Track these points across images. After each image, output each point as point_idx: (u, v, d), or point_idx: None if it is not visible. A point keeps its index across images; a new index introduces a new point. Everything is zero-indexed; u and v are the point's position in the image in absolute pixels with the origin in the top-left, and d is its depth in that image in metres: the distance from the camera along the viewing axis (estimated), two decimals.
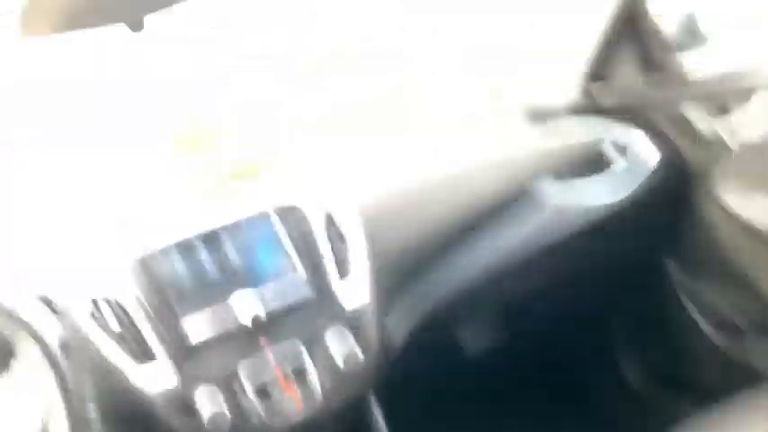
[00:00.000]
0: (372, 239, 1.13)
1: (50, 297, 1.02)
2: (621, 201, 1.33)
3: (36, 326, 0.77)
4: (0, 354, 1.04)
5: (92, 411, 0.93)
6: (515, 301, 1.32)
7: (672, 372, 1.61)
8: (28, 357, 0.76)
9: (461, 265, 1.27)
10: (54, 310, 1.00)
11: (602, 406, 1.79)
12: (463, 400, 1.68)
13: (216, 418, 0.94)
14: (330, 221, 1.13)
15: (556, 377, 1.86)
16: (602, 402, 1.80)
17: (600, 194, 1.34)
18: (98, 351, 0.97)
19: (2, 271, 1.05)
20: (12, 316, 0.76)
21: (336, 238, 1.12)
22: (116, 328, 0.99)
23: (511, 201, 1.31)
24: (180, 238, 1.06)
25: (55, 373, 0.76)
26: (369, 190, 1.20)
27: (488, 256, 1.29)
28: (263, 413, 0.98)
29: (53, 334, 0.88)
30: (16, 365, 0.77)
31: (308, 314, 1.05)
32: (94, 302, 1.02)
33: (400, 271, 1.18)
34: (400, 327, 1.15)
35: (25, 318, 0.77)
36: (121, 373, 0.97)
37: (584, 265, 1.38)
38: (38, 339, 0.76)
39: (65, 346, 0.85)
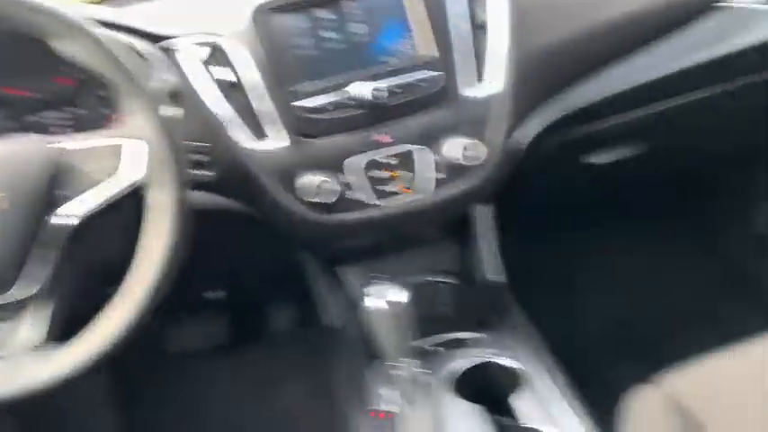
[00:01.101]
0: (518, 36, 0.98)
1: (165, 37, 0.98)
2: None
3: (137, 73, 0.72)
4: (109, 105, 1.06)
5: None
6: (663, 118, 1.15)
7: None
8: (132, 109, 0.73)
9: (614, 72, 1.09)
10: (166, 53, 0.96)
11: (726, 254, 1.66)
12: (573, 217, 1.61)
13: (321, 188, 0.91)
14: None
15: (680, 210, 1.73)
16: (726, 250, 1.66)
17: None
18: (210, 108, 0.94)
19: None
20: (116, 62, 0.71)
21: (474, 18, 0.97)
22: (229, 78, 0.94)
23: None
24: None
25: (153, 121, 0.72)
26: None
27: (649, 63, 1.09)
28: (368, 191, 0.94)
29: (163, 79, 0.84)
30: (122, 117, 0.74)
31: (432, 102, 0.95)
32: (209, 48, 0.96)
33: (542, 78, 1.02)
34: (528, 135, 1.03)
35: (128, 64, 0.72)
36: (234, 135, 0.93)
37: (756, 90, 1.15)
38: (138, 89, 0.72)
39: (174, 96, 0.81)
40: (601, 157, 1.22)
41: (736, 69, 1.13)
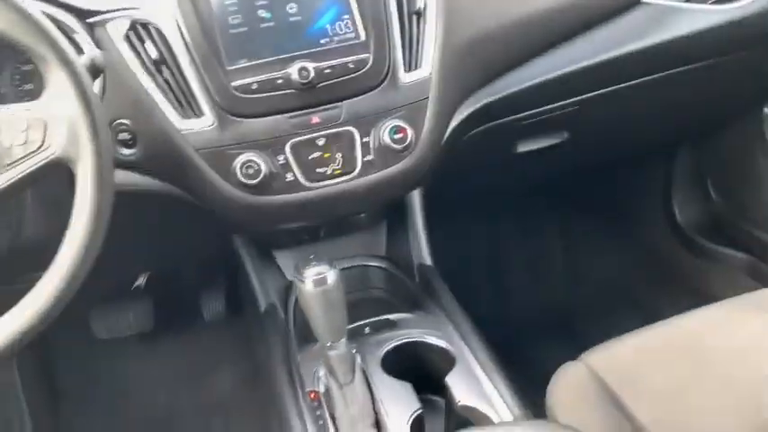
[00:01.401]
0: (449, 24, 0.99)
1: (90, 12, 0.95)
2: (737, 20, 1.15)
3: (64, 45, 0.70)
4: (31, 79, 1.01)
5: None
6: (585, 108, 1.20)
7: (733, 220, 1.52)
8: (56, 82, 0.70)
9: (539, 63, 1.12)
10: (89, 28, 0.93)
11: (644, 239, 1.75)
12: (501, 202, 1.66)
13: (250, 168, 0.90)
14: None
15: (602, 199, 1.81)
16: (645, 236, 1.75)
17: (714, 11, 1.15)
18: (136, 85, 0.91)
19: None
20: (44, 33, 0.68)
21: (410, 5, 0.98)
22: (154, 54, 0.92)
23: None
24: None
25: (79, 94, 0.70)
26: None
27: (573, 55, 1.13)
28: (298, 173, 0.93)
29: (85, 54, 0.81)
30: (46, 90, 0.71)
31: (362, 85, 0.95)
32: (132, 23, 0.94)
33: (470, 66, 1.04)
34: (456, 121, 1.05)
35: (55, 35, 0.69)
36: (161, 113, 0.91)
37: (675, 82, 1.22)
38: (66, 62, 0.69)
39: (93, 69, 0.79)
40: (526, 145, 1.26)
41: (654, 62, 1.19)
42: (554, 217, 1.78)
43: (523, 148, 1.25)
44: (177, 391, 1.59)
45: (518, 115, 1.16)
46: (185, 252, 1.36)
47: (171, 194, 0.98)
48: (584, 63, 1.12)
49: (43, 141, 0.70)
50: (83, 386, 1.59)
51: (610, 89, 1.18)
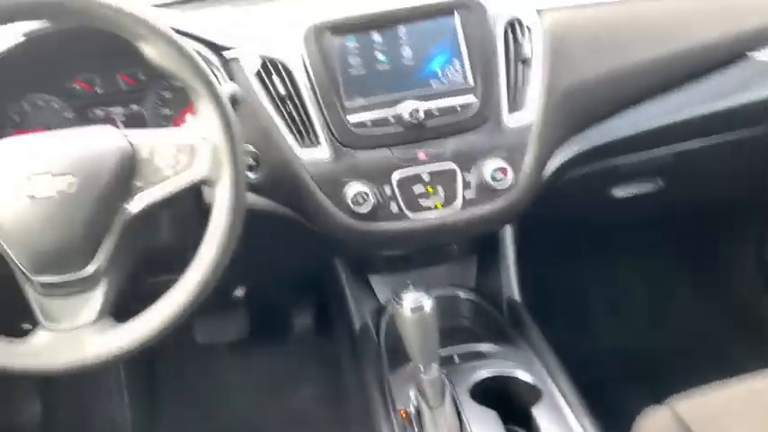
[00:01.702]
0: (555, 71, 1.04)
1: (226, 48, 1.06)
2: None
3: (214, 81, 0.80)
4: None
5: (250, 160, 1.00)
6: (682, 159, 1.21)
7: None
8: (205, 112, 0.80)
9: (640, 111, 1.15)
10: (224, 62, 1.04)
11: (734, 289, 1.71)
12: (591, 243, 1.66)
13: (359, 197, 0.98)
14: (514, 29, 1.05)
15: (691, 245, 1.78)
16: (735, 285, 1.71)
17: None
18: (263, 116, 1.01)
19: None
20: (198, 69, 0.78)
21: (518, 53, 1.04)
22: (281, 89, 1.02)
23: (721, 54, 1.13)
24: (357, 13, 1.03)
25: (224, 124, 0.80)
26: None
27: (674, 105, 1.15)
28: (402, 204, 1.00)
29: (228, 87, 0.91)
30: (195, 119, 0.82)
31: (468, 126, 1.01)
32: (263, 61, 1.04)
33: (573, 112, 1.09)
34: (555, 164, 1.09)
35: (207, 72, 0.79)
36: (283, 142, 1.00)
37: None
38: (214, 95, 0.79)
39: (233, 101, 0.88)
40: (621, 190, 1.28)
41: (756, 116, 1.19)
42: (642, 261, 1.76)
43: (618, 193, 1.27)
44: (262, 401, 1.68)
45: (615, 161, 1.19)
46: (285, 270, 1.45)
47: (284, 216, 1.06)
48: (686, 115, 1.14)
49: (189, 164, 0.80)
50: (179, 387, 1.71)
51: (710, 142, 1.19)
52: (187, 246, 1.03)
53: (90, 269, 0.78)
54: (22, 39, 1.00)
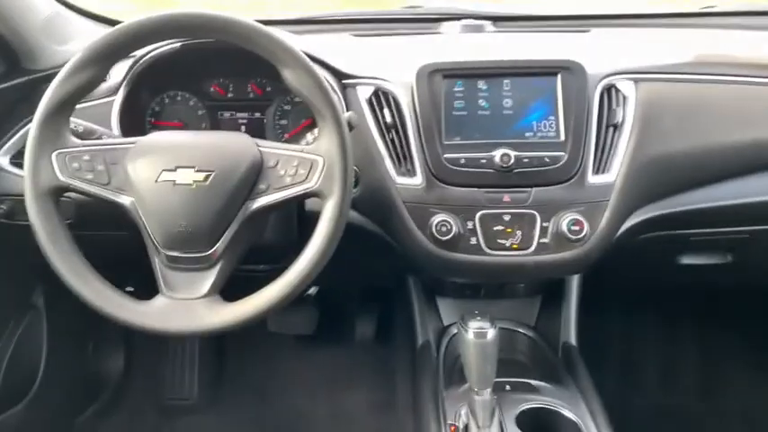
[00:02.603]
0: (642, 140, 1.11)
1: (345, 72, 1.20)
2: None
3: (339, 108, 0.92)
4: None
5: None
6: (754, 238, 1.25)
7: None
8: (327, 134, 0.93)
9: (718, 187, 1.20)
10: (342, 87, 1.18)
11: None
12: (652, 302, 1.70)
13: (443, 227, 1.07)
14: (610, 95, 1.13)
15: (750, 319, 1.79)
16: None
17: None
18: (369, 140, 1.13)
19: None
20: (329, 98, 0.91)
21: (610, 118, 1.12)
22: (388, 118, 1.14)
23: None
24: (468, 59, 1.14)
25: (341, 145, 0.92)
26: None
27: (752, 187, 1.20)
28: (481, 239, 1.09)
29: (347, 113, 1.04)
30: (318, 138, 0.94)
31: (553, 178, 1.10)
32: (375, 90, 1.17)
33: (653, 179, 1.15)
34: (628, 225, 1.16)
35: (335, 101, 0.92)
36: (383, 166, 1.12)
37: None
38: (338, 121, 0.91)
39: (350, 125, 1.00)
40: (688, 259, 1.33)
41: None
42: (699, 326, 1.78)
43: (686, 260, 1.32)
44: (315, 396, 1.80)
45: (687, 231, 1.24)
46: (360, 278, 1.57)
47: (372, 232, 1.18)
48: (763, 198, 1.19)
49: (307, 176, 0.92)
50: (243, 368, 1.85)
51: None
52: (283, 244, 1.17)
53: (211, 250, 0.92)
54: (178, 45, 1.16)
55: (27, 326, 1.46)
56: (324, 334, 1.84)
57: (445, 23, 1.52)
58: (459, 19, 1.52)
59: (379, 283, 1.62)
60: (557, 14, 1.63)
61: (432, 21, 1.56)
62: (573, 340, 1.24)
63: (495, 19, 1.54)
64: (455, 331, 1.30)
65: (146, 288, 0.98)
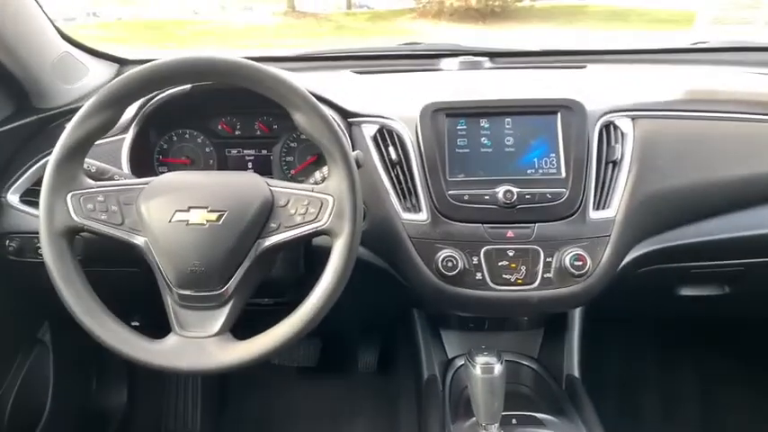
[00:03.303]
0: (641, 177, 1.15)
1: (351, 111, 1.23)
2: None
3: (349, 150, 0.94)
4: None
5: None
6: (751, 270, 1.28)
7: None
8: (337, 174, 0.95)
9: (715, 222, 1.23)
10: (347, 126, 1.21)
11: None
12: (656, 335, 1.71)
13: (449, 262, 1.09)
14: (609, 132, 1.17)
15: (751, 347, 1.80)
16: None
17: None
18: (375, 176, 1.16)
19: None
20: (339, 141, 0.93)
21: (609, 154, 1.15)
22: (393, 156, 1.16)
23: None
24: (470, 98, 1.18)
25: (350, 185, 0.94)
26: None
27: (748, 221, 1.23)
28: (486, 274, 1.11)
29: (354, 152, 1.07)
30: (328, 179, 0.97)
31: (555, 214, 1.12)
32: (380, 128, 1.20)
33: (653, 214, 1.18)
34: (629, 259, 1.18)
35: (346, 144, 0.94)
36: (389, 202, 1.15)
37: None
38: (347, 162, 0.94)
39: (357, 164, 1.03)
40: (687, 290, 1.36)
41: None
42: (700, 357, 1.80)
43: (685, 292, 1.34)
44: (317, 428, 1.81)
45: (685, 264, 1.27)
46: (364, 311, 1.58)
47: (378, 266, 1.20)
48: (758, 231, 1.22)
49: (317, 215, 0.94)
50: (246, 399, 1.85)
51: None
52: (289, 278, 1.19)
53: (223, 289, 0.94)
54: (189, 87, 1.19)
55: (34, 361, 1.47)
56: (326, 365, 1.85)
57: (444, 60, 1.56)
58: (457, 55, 1.56)
59: (383, 316, 1.63)
60: (552, 50, 1.68)
61: (431, 57, 1.60)
62: (576, 372, 1.26)
63: (492, 55, 1.58)
64: (460, 363, 1.32)
65: (152, 322, 0.99)
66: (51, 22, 1.34)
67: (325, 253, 0.94)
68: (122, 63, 1.56)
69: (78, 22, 9.92)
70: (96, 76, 1.46)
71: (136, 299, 1.15)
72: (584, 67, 1.53)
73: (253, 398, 1.87)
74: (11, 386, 1.39)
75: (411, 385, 1.40)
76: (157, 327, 0.97)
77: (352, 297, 0.99)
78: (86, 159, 1.00)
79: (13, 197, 1.24)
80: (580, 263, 1.09)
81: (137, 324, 1.00)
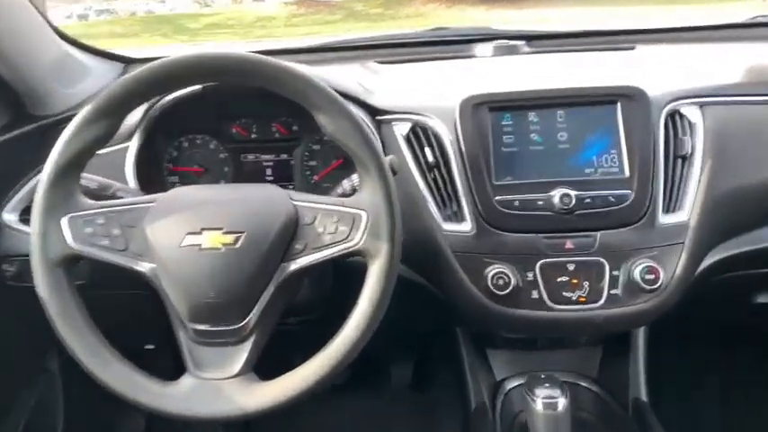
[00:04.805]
0: (715, 172, 1.00)
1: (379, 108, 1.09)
2: None
3: (383, 159, 0.81)
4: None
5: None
6: None
7: None
8: (370, 184, 0.82)
9: None
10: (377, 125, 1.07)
11: None
12: (731, 348, 1.55)
13: (499, 279, 0.96)
14: (675, 122, 1.02)
15: None
16: None
17: None
18: (410, 181, 1.02)
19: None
20: (373, 150, 0.80)
21: (678, 148, 1.00)
22: (429, 157, 1.02)
23: None
24: (516, 89, 1.03)
25: (386, 197, 0.81)
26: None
27: None
28: (544, 292, 0.97)
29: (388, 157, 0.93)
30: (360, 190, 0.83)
31: (619, 219, 0.98)
32: (413, 126, 1.06)
33: (728, 215, 1.03)
34: (704, 267, 1.04)
35: (380, 152, 0.81)
36: (427, 211, 1.01)
37: None
38: (381, 172, 0.80)
39: (392, 171, 0.89)
40: (763, 297, 1.21)
41: None
42: None
43: (762, 299, 1.19)
44: None
45: (763, 270, 1.12)
46: (396, 326, 1.45)
47: (416, 283, 1.06)
48: None
49: (349, 234, 0.80)
50: (272, 419, 1.73)
51: None
52: (317, 297, 1.06)
53: (244, 322, 0.80)
54: (198, 89, 1.06)
55: (42, 393, 1.35)
56: (357, 382, 1.72)
57: (476, 45, 1.41)
58: (490, 40, 1.41)
59: (418, 331, 1.50)
60: (596, 30, 1.52)
61: (462, 43, 1.45)
62: (644, 395, 1.12)
63: (530, 38, 1.43)
64: (510, 387, 1.18)
65: (168, 345, 0.87)
66: (48, 21, 1.21)
67: (357, 265, 0.81)
68: (128, 62, 1.43)
69: (91, 20, 9.92)
70: (99, 77, 1.33)
71: (149, 323, 1.03)
72: (633, 48, 1.37)
73: (278, 417, 1.75)
74: (17, 421, 1.28)
75: (453, 407, 1.26)
76: (174, 351, 0.85)
77: (384, 316, 0.86)
78: (84, 174, 0.87)
79: (10, 216, 1.12)
80: (652, 276, 0.94)
81: (151, 347, 0.88)
